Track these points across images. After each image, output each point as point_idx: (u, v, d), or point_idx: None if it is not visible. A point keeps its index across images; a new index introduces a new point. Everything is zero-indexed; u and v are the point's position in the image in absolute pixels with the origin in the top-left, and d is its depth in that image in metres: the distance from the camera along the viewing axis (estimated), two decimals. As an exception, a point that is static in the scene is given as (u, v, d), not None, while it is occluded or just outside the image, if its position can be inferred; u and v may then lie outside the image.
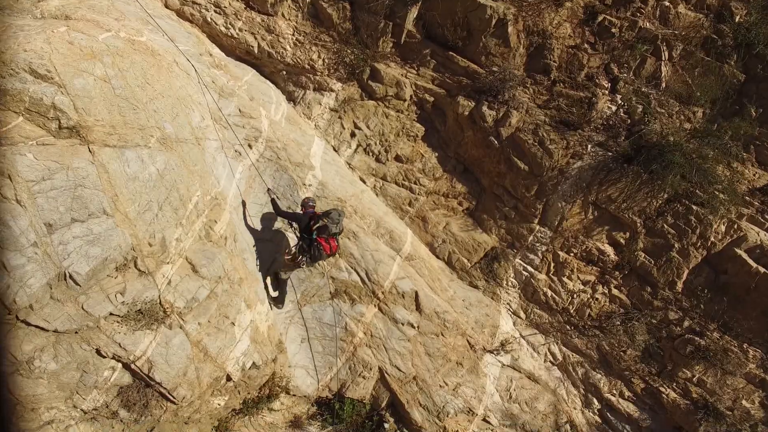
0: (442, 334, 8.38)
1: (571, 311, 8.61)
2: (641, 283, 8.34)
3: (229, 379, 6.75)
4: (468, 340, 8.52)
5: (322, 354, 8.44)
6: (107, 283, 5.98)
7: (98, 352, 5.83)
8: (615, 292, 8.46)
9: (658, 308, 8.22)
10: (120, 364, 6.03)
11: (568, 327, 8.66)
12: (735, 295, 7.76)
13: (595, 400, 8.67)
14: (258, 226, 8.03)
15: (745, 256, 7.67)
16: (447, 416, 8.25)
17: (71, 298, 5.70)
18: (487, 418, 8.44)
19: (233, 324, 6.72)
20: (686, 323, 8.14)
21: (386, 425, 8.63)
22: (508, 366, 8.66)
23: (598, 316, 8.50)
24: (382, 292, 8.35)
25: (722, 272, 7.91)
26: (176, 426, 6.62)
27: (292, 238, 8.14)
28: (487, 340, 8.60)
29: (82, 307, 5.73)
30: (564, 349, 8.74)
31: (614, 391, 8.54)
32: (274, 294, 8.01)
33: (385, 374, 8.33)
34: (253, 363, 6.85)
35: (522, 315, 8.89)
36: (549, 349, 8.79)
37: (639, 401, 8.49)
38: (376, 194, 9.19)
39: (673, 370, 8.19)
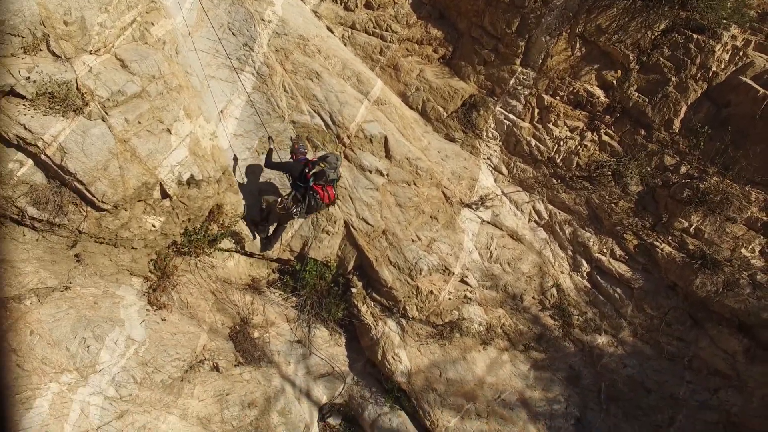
0: (415, 183, 7.56)
1: (558, 161, 7.80)
2: (634, 126, 7.54)
3: (164, 194, 5.90)
4: (443, 192, 7.70)
5: (282, 209, 7.60)
6: (11, 61, 5.10)
7: (-1, 135, 4.97)
8: (605, 138, 7.66)
9: (653, 153, 7.43)
10: (30, 160, 5.18)
11: (554, 180, 7.86)
12: (738, 129, 6.97)
13: (584, 262, 7.90)
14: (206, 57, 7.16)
15: (751, 82, 6.88)
16: (420, 274, 7.46)
17: (-38, 70, 4.83)
18: (465, 279, 7.66)
19: (169, 131, 5.86)
20: (683, 168, 7.36)
21: (353, 290, 7.84)
22: (488, 222, 7.86)
23: (587, 166, 7.70)
24: (348, 136, 7.51)
25: (724, 105, 7.12)
26: (104, 248, 5.80)
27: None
28: (464, 192, 7.79)
29: (-24, 79, 4.86)
30: (550, 206, 7.95)
31: (605, 250, 7.77)
32: (260, 234, 7.46)
33: (352, 228, 7.52)
34: (192, 176, 5.99)
35: (504, 170, 8.08)
36: (534, 207, 7.99)
37: (631, 260, 7.73)
38: (345, 44, 8.32)
39: (669, 221, 7.43)
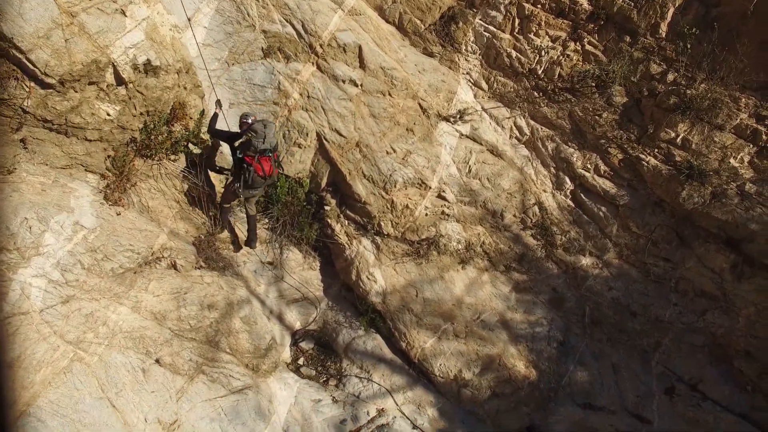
0: (390, 94, 7.24)
1: (539, 73, 7.48)
2: (619, 33, 7.23)
3: (119, 81, 5.56)
4: (420, 104, 7.38)
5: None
6: None
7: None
8: (589, 47, 7.35)
9: (639, 60, 7.12)
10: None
11: (535, 94, 7.54)
12: (728, 29, 6.68)
13: (567, 180, 7.60)
14: None
15: (741, -23, 6.58)
16: (395, 187, 7.15)
17: None
18: (442, 193, 7.35)
19: (123, 13, 5.51)
20: (670, 76, 7.06)
21: (327, 207, 7.54)
22: (466, 136, 7.54)
23: (570, 77, 7.39)
24: (320, 45, 7.18)
25: (714, 5, 6.84)
26: (54, 136, 5.45)
27: None
28: (442, 105, 7.47)
29: None
30: (532, 122, 7.63)
31: (588, 166, 7.47)
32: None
33: (324, 141, 7.21)
34: (148, 61, 5.65)
35: (484, 85, 7.75)
36: (515, 123, 7.68)
37: (616, 176, 7.43)
38: (319, -42, 7.97)
39: (655, 132, 7.12)
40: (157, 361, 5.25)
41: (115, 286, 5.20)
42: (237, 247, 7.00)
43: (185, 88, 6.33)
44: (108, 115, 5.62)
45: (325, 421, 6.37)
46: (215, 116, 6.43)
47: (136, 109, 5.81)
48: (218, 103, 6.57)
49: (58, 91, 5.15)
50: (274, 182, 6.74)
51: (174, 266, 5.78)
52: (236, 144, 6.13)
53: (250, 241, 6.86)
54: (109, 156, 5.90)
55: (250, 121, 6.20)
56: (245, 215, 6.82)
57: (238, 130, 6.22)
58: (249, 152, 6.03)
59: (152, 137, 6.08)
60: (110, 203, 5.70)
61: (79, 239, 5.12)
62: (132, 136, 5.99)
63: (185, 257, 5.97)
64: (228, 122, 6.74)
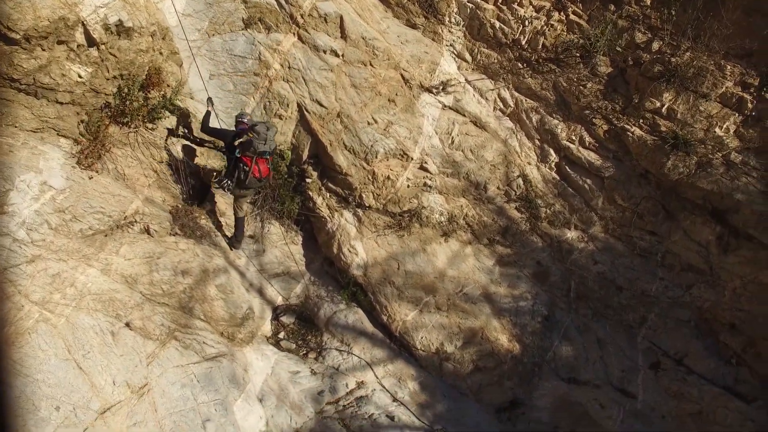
0: (371, 64, 7.14)
1: (523, 43, 7.38)
2: (603, 2, 7.13)
3: (90, 42, 5.46)
4: (402, 74, 7.28)
5: (233, 93, 7.19)
6: None
7: None
8: (573, 17, 7.25)
9: (624, 29, 7.02)
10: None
11: (519, 65, 7.43)
12: (712, -4, 6.57)
13: (552, 152, 7.49)
14: None
15: (726, -59, 6.47)
16: (376, 158, 7.05)
17: None
18: (424, 165, 7.25)
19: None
20: (655, 45, 6.96)
21: (308, 180, 7.44)
22: (449, 108, 7.44)
23: (554, 47, 7.29)
24: (301, 15, 7.09)
25: (697, -29, 6.71)
26: (24, 98, 5.32)
27: None
28: (424, 76, 7.37)
29: None
30: (516, 93, 7.53)
31: (573, 137, 7.37)
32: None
33: (305, 111, 7.11)
34: (120, 21, 5.54)
35: (467, 57, 7.65)
36: (499, 95, 7.58)
37: (601, 148, 7.34)
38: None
39: (640, 102, 7.03)
40: (127, 324, 5.16)
41: (84, 248, 5.11)
42: (214, 216, 6.94)
43: (161, 53, 6.23)
44: (79, 77, 5.51)
45: (302, 392, 6.28)
46: (208, 114, 6.41)
47: (109, 71, 5.71)
48: (210, 100, 6.54)
49: (24, 48, 5.03)
50: (267, 184, 6.75)
51: (147, 231, 5.68)
52: (236, 143, 6.09)
53: (237, 242, 6.75)
54: (82, 120, 5.79)
55: (246, 120, 6.23)
56: (233, 214, 6.69)
57: (234, 129, 6.24)
58: (248, 153, 6.02)
59: (127, 103, 5.97)
60: (83, 167, 5.60)
61: (46, 199, 5.02)
62: (106, 101, 5.88)
63: (159, 223, 5.88)
64: (214, 106, 6.67)
